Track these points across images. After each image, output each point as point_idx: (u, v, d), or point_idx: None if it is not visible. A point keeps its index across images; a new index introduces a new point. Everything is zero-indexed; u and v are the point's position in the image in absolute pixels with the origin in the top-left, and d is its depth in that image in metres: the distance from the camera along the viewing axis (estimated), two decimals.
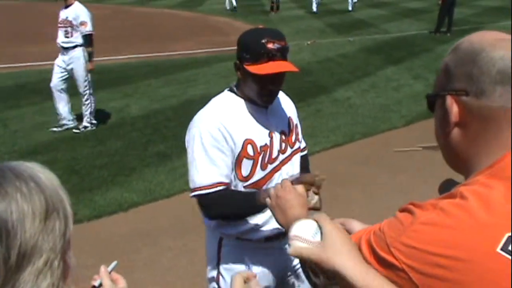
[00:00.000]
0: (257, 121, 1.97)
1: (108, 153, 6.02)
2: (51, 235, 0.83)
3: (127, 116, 7.47)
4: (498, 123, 0.99)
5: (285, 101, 2.17)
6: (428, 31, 15.73)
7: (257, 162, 1.94)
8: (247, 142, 1.91)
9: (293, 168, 2.07)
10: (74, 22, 6.47)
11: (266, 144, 1.96)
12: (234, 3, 24.04)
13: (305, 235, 1.14)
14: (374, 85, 9.23)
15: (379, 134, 6.60)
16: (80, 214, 4.52)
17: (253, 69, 1.84)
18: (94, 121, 6.90)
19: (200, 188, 1.90)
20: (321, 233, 1.12)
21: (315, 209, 1.75)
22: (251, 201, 1.85)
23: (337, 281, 1.03)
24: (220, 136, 1.87)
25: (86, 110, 6.81)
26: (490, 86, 0.97)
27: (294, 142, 2.10)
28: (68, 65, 6.63)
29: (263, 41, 1.83)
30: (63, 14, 6.57)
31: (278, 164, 2.00)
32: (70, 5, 6.54)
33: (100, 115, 7.14)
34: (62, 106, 6.80)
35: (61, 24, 6.55)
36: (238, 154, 1.90)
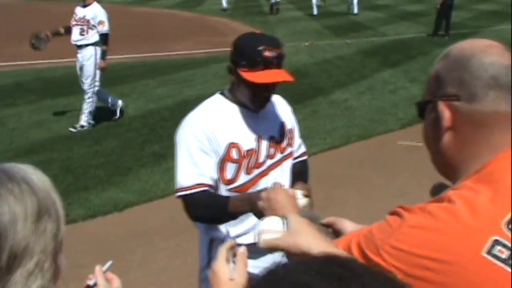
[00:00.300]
0: (245, 125, 1.97)
1: (104, 153, 6.02)
2: (42, 237, 0.84)
3: (123, 116, 7.47)
4: (489, 128, 1.00)
5: (280, 105, 2.16)
6: (426, 34, 15.76)
7: (241, 166, 1.94)
8: (232, 145, 1.92)
9: (282, 173, 2.07)
10: (92, 22, 6.60)
11: (252, 149, 1.96)
12: (225, 4, 24.20)
13: (271, 227, 1.21)
14: (371, 87, 9.25)
15: (375, 137, 6.61)
16: (75, 213, 4.52)
17: (249, 76, 1.84)
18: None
19: (182, 189, 1.93)
20: (287, 223, 1.18)
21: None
22: (225, 208, 1.88)
23: None
24: (204, 138, 1.89)
25: (86, 109, 6.82)
26: (482, 91, 0.99)
27: (285, 148, 2.09)
28: (81, 62, 6.75)
29: (260, 48, 1.82)
30: (81, 12, 6.66)
31: (266, 169, 2.00)
32: (89, 4, 6.65)
33: (96, 115, 7.13)
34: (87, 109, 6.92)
35: (77, 22, 6.65)
36: (222, 157, 1.91)
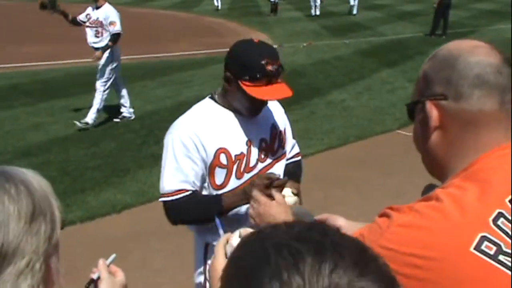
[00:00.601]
0: (235, 129, 1.95)
1: (102, 155, 6.01)
2: (35, 238, 0.84)
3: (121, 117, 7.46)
4: (476, 126, 1.02)
5: (271, 106, 2.13)
6: (424, 33, 15.79)
7: (231, 171, 1.93)
8: (220, 151, 1.90)
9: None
10: (104, 22, 6.75)
11: (242, 153, 1.95)
12: (217, 4, 24.36)
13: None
14: (369, 87, 9.26)
15: (373, 137, 6.61)
16: (73, 215, 4.51)
17: (252, 91, 1.82)
18: (95, 120, 6.95)
19: (164, 195, 1.94)
20: None
21: None
22: (216, 206, 1.90)
23: None
24: (191, 145, 1.88)
25: (94, 107, 6.90)
26: (468, 90, 1.00)
27: (277, 150, 2.07)
28: (97, 62, 6.88)
29: (263, 62, 1.80)
30: (94, 15, 6.82)
31: (257, 173, 1.99)
32: (101, 6, 6.80)
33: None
34: (124, 99, 7.16)
35: (92, 24, 6.83)
36: (211, 163, 1.90)
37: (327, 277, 0.53)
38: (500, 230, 0.91)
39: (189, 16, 22.62)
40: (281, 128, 2.13)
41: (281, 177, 2.06)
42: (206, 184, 1.96)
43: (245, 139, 1.97)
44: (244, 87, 1.83)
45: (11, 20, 20.43)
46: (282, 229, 0.61)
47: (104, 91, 6.89)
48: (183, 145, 1.88)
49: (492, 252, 0.89)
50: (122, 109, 7.33)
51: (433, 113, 1.05)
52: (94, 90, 7.01)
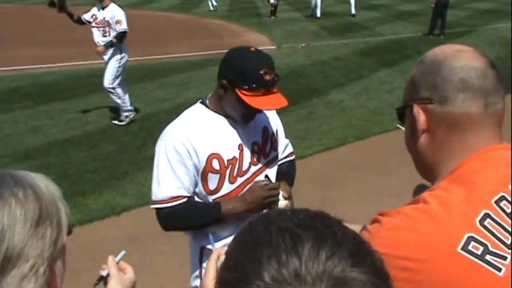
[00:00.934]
0: (227, 134, 1.97)
1: (101, 157, 6.02)
2: (40, 242, 0.85)
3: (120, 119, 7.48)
4: (462, 129, 1.05)
5: None
6: (422, 33, 15.80)
7: (224, 176, 1.94)
8: (212, 156, 1.91)
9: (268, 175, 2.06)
10: (111, 22, 6.82)
11: (234, 157, 1.96)
12: (214, 3, 24.50)
13: None
14: (368, 88, 9.27)
15: (371, 137, 6.63)
16: (72, 218, 4.47)
17: (250, 100, 1.84)
18: (132, 109, 7.22)
19: (160, 202, 1.94)
20: None
21: None
22: (214, 213, 1.92)
23: None
24: (184, 151, 1.88)
25: (121, 102, 7.06)
26: (453, 94, 1.03)
27: (269, 152, 2.08)
28: (107, 62, 6.96)
29: (261, 72, 1.82)
30: (100, 15, 6.87)
31: (250, 176, 2.00)
32: (107, 6, 6.85)
33: (93, 119, 7.14)
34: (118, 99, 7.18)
35: (99, 24, 6.88)
36: (203, 169, 1.91)
37: (322, 264, 0.56)
38: (486, 230, 0.94)
39: (188, 17, 22.63)
40: (273, 130, 2.13)
41: (274, 179, 2.09)
42: (198, 189, 1.97)
43: (237, 143, 1.98)
44: (242, 96, 1.84)
45: (10, 23, 20.44)
46: (287, 215, 0.65)
47: (116, 88, 6.98)
48: (176, 151, 1.89)
49: (479, 252, 0.91)
50: (122, 112, 7.35)
51: (421, 116, 1.08)
52: (93, 92, 7.04)
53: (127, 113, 7.18)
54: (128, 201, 4.91)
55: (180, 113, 2.06)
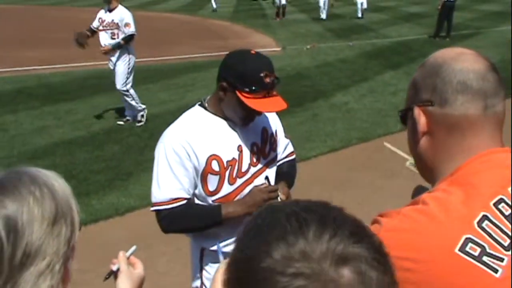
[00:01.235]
0: (226, 136, 1.98)
1: (105, 158, 6.05)
2: (56, 240, 0.87)
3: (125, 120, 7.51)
4: (460, 131, 1.05)
5: None
6: (428, 35, 15.78)
7: (224, 177, 1.96)
8: (212, 158, 1.93)
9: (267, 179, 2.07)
10: (120, 24, 6.83)
11: (234, 159, 1.97)
12: (214, 6, 24.56)
13: None
14: (372, 90, 9.27)
15: (375, 139, 6.62)
16: None
17: (251, 102, 1.85)
18: (144, 115, 7.21)
19: (159, 204, 1.96)
20: None
21: None
22: (215, 216, 1.93)
23: None
24: (183, 153, 1.90)
25: (134, 105, 7.09)
26: (452, 96, 1.04)
27: (269, 153, 2.09)
28: (115, 64, 6.98)
29: (262, 75, 1.85)
30: (108, 17, 6.87)
31: (250, 177, 2.02)
32: (114, 8, 6.86)
33: (98, 120, 7.18)
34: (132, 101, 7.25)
35: (106, 27, 6.88)
36: (203, 170, 1.93)
37: (326, 243, 0.62)
38: (484, 232, 0.94)
39: (193, 19, 22.69)
40: (272, 130, 2.15)
41: (274, 179, 2.10)
42: (197, 191, 1.99)
43: (236, 144, 1.99)
44: (243, 99, 1.85)
45: (16, 24, 20.57)
46: (292, 202, 0.70)
47: (129, 89, 7.03)
48: (175, 153, 1.91)
49: (476, 254, 0.92)
50: (127, 112, 7.37)
51: (421, 119, 1.09)
52: (99, 93, 7.07)
53: (142, 113, 7.21)
54: (133, 201, 4.93)
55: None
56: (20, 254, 0.81)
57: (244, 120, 1.96)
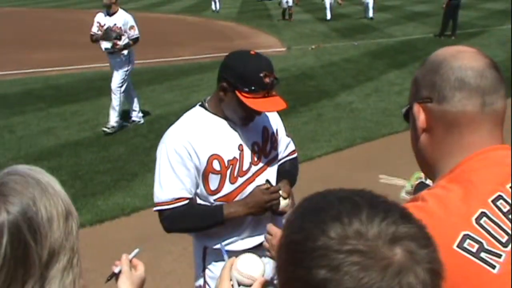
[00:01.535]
0: (227, 135, 2.00)
1: (111, 159, 6.10)
2: (70, 236, 0.90)
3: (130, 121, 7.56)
4: (458, 128, 1.06)
5: None
6: (433, 34, 15.72)
7: (225, 176, 1.98)
8: (213, 157, 1.95)
9: (268, 178, 2.08)
10: (124, 28, 6.79)
11: (235, 158, 1.99)
12: (217, 6, 24.75)
13: (248, 271, 1.31)
14: (377, 89, 9.26)
15: (380, 139, 6.62)
16: (83, 218, 4.58)
17: (250, 102, 1.87)
18: (119, 121, 7.05)
19: (162, 204, 1.98)
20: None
21: (285, 212, 1.92)
22: (216, 216, 1.95)
23: None
24: (185, 153, 1.92)
25: (115, 109, 6.98)
26: (450, 92, 1.06)
27: (269, 152, 2.11)
28: (113, 67, 6.94)
29: (261, 75, 1.87)
30: (109, 21, 6.80)
31: (251, 176, 2.03)
32: (115, 12, 6.79)
33: (104, 121, 7.22)
34: (134, 104, 7.23)
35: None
36: (204, 170, 1.95)
37: (378, 224, 0.66)
38: (482, 228, 0.96)
39: (198, 20, 22.74)
40: (273, 129, 2.16)
41: (275, 177, 2.12)
42: (199, 190, 2.01)
43: (237, 143, 2.01)
44: (243, 99, 1.88)
45: (23, 26, 20.70)
46: (339, 189, 0.75)
47: (121, 93, 6.97)
48: (177, 154, 1.93)
49: (474, 250, 0.94)
50: (132, 114, 7.42)
51: (420, 115, 1.10)
52: (105, 95, 7.10)
53: (117, 119, 7.02)
54: (138, 202, 4.96)
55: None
56: (46, 253, 0.84)
57: (244, 120, 1.98)
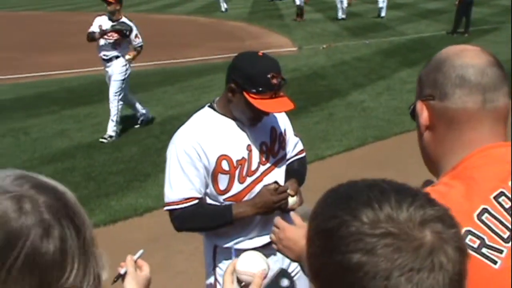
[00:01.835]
0: (235, 136, 2.03)
1: (124, 160, 6.16)
2: (89, 228, 0.91)
3: (143, 123, 7.63)
4: (459, 125, 1.08)
5: None
6: (446, 32, 15.59)
7: (234, 176, 2.01)
8: (222, 158, 1.97)
9: (277, 177, 2.10)
10: (128, 34, 6.69)
11: (243, 158, 2.01)
12: (224, 6, 24.91)
13: (248, 268, 1.32)
14: (389, 88, 9.22)
15: (391, 137, 6.60)
16: (97, 219, 4.65)
17: (258, 103, 1.90)
18: (117, 131, 6.99)
19: (172, 203, 2.01)
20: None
21: (292, 209, 1.92)
22: (226, 216, 1.98)
23: None
24: (194, 153, 1.95)
25: (112, 119, 6.90)
26: (451, 89, 1.07)
27: (278, 151, 2.13)
28: (111, 73, 6.85)
29: (269, 76, 1.89)
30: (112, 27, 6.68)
31: (259, 176, 2.06)
32: (118, 19, 6.70)
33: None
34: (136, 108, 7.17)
35: (110, 37, 6.68)
36: (213, 170, 1.98)
37: (407, 208, 0.70)
38: (484, 225, 0.97)
39: (210, 20, 22.81)
40: (281, 129, 2.18)
41: (283, 177, 2.14)
42: (209, 190, 2.04)
43: (246, 144, 2.03)
44: (251, 100, 1.90)
45: (36, 30, 20.96)
46: (363, 179, 0.78)
47: (119, 101, 6.88)
48: (187, 155, 1.96)
49: (475, 245, 0.95)
50: (138, 115, 7.41)
51: (423, 113, 1.12)
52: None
53: (114, 128, 6.93)
54: (150, 202, 5.01)
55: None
56: (86, 243, 0.84)
57: (252, 121, 2.01)
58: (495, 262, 0.95)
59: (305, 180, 2.28)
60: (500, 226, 0.98)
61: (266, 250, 2.00)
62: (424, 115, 1.12)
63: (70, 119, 7.97)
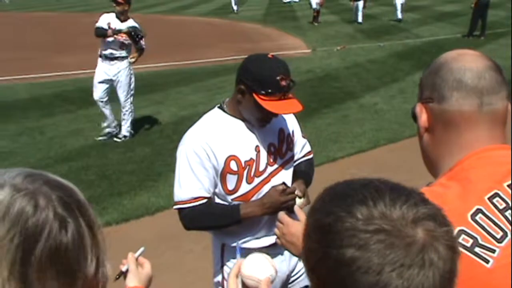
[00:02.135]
0: (244, 137, 2.06)
1: (137, 159, 6.23)
2: (96, 223, 0.94)
3: (156, 123, 7.70)
4: (456, 127, 1.11)
5: None
6: (461, 35, 15.47)
7: (242, 176, 2.04)
8: (230, 158, 2.01)
9: (284, 178, 2.13)
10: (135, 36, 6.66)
11: (251, 159, 2.05)
12: (235, 7, 25.05)
13: (253, 273, 1.33)
14: (402, 90, 9.19)
15: (403, 140, 6.58)
16: (110, 217, 4.72)
17: (268, 105, 1.93)
18: (131, 131, 7.05)
19: (181, 202, 2.05)
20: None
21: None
22: (234, 216, 2.01)
23: None
24: (203, 154, 1.99)
25: (127, 120, 6.96)
26: (448, 92, 1.11)
27: (285, 153, 2.16)
28: (114, 75, 6.78)
29: (278, 78, 1.92)
30: (120, 26, 6.62)
31: (267, 176, 2.08)
32: (125, 20, 6.69)
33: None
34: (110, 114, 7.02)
35: (119, 37, 6.64)
36: (222, 170, 2.02)
37: (400, 207, 0.72)
38: (477, 224, 1.00)
39: (224, 22, 22.92)
40: (289, 131, 2.21)
41: (291, 178, 2.16)
42: (217, 190, 2.08)
43: (254, 145, 2.07)
44: (260, 101, 1.93)
45: (52, 31, 21.23)
46: (359, 178, 0.81)
47: (131, 102, 6.92)
48: (196, 155, 2.00)
49: (468, 245, 0.98)
50: (105, 125, 7.20)
51: (422, 115, 1.16)
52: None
53: (128, 128, 6.96)
54: (162, 201, 5.07)
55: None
56: (96, 236, 0.83)
57: (260, 122, 2.04)
58: (487, 261, 0.98)
59: (312, 181, 2.30)
60: (494, 226, 1.00)
61: (273, 249, 2.04)
62: (423, 117, 1.15)
63: (85, 118, 8.07)
